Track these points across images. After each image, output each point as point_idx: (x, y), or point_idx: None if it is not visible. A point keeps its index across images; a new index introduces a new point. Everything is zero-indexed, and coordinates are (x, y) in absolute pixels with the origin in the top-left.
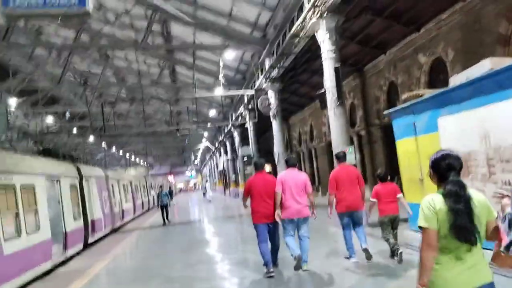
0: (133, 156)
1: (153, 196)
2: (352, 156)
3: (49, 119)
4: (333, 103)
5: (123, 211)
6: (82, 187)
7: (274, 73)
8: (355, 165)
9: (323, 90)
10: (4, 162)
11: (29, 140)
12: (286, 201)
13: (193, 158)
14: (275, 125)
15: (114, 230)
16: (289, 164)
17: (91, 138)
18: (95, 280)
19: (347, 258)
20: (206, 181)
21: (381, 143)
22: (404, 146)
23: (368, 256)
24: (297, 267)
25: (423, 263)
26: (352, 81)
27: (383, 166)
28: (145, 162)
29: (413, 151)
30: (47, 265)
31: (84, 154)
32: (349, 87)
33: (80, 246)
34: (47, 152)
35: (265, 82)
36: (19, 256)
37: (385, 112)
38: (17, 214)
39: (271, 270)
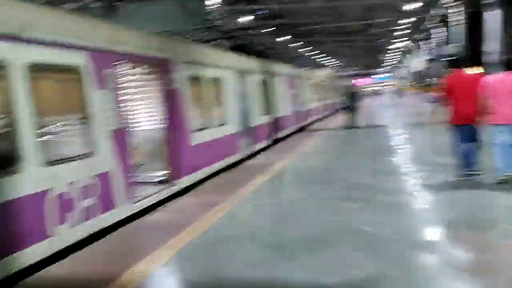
0: (323, 57)
1: (340, 98)
2: None
3: (245, 18)
4: None
5: (309, 110)
6: (271, 84)
7: None
8: None
9: None
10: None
11: (221, 37)
12: (497, 106)
13: (385, 59)
14: (493, 15)
15: (300, 129)
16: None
17: (283, 37)
18: (277, 177)
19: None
20: (398, 84)
21: None
22: None
23: None
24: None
25: None
26: None
27: None
28: (335, 63)
29: None
30: (234, 158)
31: (275, 53)
32: None
33: (266, 142)
34: (239, 49)
35: None
36: (208, 147)
37: None
38: (208, 106)
39: (473, 171)
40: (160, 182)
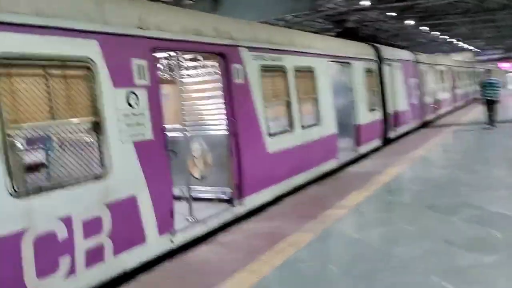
0: (457, 41)
1: (477, 87)
2: None
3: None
4: None
5: (435, 102)
6: (383, 73)
7: None
8: None
9: None
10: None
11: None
12: None
13: None
14: None
15: (423, 124)
16: None
17: (408, 21)
18: (377, 195)
19: None
20: None
21: None
22: None
23: None
24: None
25: None
26: None
27: None
28: (471, 47)
29: None
30: (329, 165)
31: (399, 39)
32: None
33: (377, 142)
34: (348, 33)
35: None
36: (289, 154)
37: None
38: (293, 103)
39: None
40: (224, 200)
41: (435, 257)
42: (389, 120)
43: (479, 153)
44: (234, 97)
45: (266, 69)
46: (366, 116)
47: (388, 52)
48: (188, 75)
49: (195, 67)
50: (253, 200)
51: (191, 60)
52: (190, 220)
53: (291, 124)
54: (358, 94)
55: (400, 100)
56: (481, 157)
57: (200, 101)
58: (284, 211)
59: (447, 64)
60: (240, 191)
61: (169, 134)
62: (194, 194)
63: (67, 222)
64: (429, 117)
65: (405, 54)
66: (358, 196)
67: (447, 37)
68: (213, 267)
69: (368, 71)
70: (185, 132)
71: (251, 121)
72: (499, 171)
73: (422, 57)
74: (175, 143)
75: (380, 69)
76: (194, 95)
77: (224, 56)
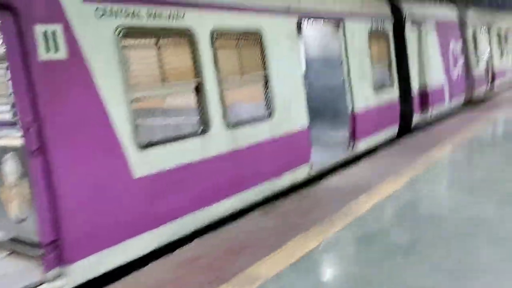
0: None
1: None
2: None
3: None
4: None
5: (487, 73)
6: (405, 36)
7: None
8: None
9: None
10: None
11: None
12: None
13: None
14: None
15: (471, 102)
16: None
17: None
18: (324, 253)
19: None
20: None
21: None
22: None
23: None
24: None
25: None
26: None
27: None
28: None
29: None
30: (291, 177)
31: None
32: None
33: (390, 133)
34: None
35: None
36: (188, 175)
37: None
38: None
39: None
40: None
41: None
42: (413, 101)
43: None
44: (41, 83)
45: (136, 34)
46: (368, 98)
47: (414, 7)
48: None
49: None
50: (88, 270)
51: None
52: None
53: (204, 122)
54: (355, 68)
55: (433, 73)
56: None
57: None
58: None
59: (508, 25)
60: (58, 254)
61: None
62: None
63: None
64: (480, 92)
65: (443, 11)
66: (292, 253)
67: None
68: None
69: (376, 33)
70: None
71: (89, 124)
72: None
73: (472, 14)
74: None
75: (399, 30)
76: None
77: (12, 9)
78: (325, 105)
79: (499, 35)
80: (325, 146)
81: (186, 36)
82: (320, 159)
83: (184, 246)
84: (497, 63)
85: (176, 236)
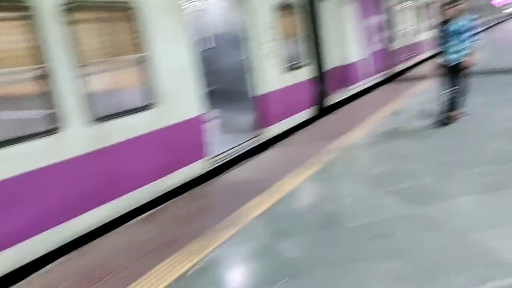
0: None
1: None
2: None
3: None
4: None
5: (408, 48)
6: (314, 10)
7: None
8: None
9: None
10: None
11: None
12: None
13: None
14: None
15: (391, 77)
16: None
17: None
18: (251, 231)
19: None
20: None
21: None
22: None
23: None
24: None
25: None
26: None
27: None
28: None
29: None
30: (181, 175)
31: None
32: None
33: (306, 114)
34: None
35: None
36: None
37: None
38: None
39: None
40: None
41: None
42: (327, 79)
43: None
44: None
45: None
46: (278, 79)
47: None
48: None
49: None
50: None
51: None
52: None
53: (53, 118)
54: (259, 46)
55: (349, 48)
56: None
57: None
58: None
59: None
60: None
61: None
62: None
63: None
64: (402, 67)
65: None
66: (156, 284)
67: None
68: None
69: (285, 8)
70: None
71: None
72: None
73: None
74: None
75: (313, 5)
76: None
77: None
78: (234, 87)
79: (419, 8)
80: (232, 133)
81: (19, 10)
82: (219, 150)
83: (32, 275)
84: (417, 37)
85: (17, 265)
